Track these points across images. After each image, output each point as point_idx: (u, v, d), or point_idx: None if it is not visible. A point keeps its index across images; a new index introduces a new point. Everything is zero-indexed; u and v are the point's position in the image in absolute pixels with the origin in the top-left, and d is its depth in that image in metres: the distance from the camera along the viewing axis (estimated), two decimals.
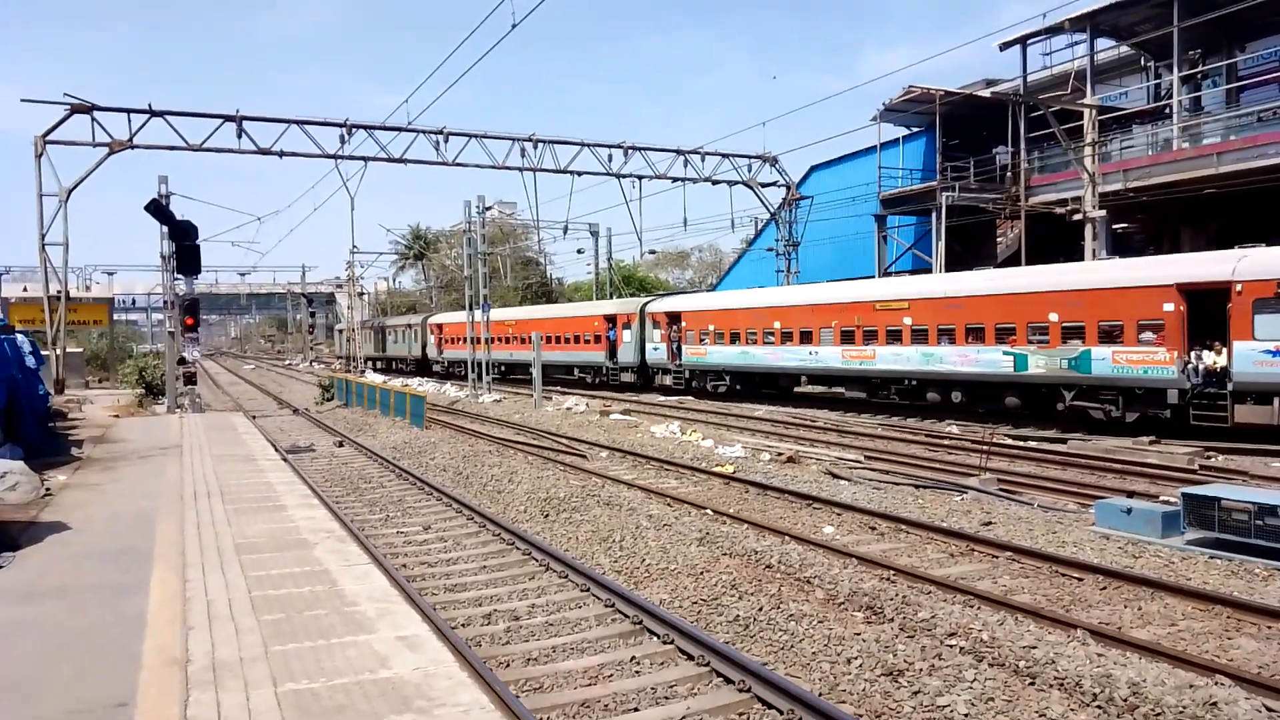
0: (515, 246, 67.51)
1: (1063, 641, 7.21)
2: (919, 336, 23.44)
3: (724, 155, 36.95)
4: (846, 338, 25.55)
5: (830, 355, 26.20)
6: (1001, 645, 7.11)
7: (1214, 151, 26.40)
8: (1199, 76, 31.35)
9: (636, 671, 7.12)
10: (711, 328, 30.99)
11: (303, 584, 7.38)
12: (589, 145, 34.25)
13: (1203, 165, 26.34)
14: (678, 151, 35.96)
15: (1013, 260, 32.80)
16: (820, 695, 6.47)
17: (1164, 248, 31.02)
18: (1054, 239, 31.03)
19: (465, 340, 41.22)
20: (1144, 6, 28.20)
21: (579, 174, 34.50)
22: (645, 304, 35.53)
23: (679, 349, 32.80)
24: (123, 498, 11.60)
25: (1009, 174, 32.42)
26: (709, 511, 12.64)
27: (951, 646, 7.22)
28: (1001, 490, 13.77)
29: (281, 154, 30.29)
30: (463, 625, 8.27)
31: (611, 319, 36.33)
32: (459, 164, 32.66)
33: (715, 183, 37.21)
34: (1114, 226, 30.89)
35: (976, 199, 32.29)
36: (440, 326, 50.96)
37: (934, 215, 32.86)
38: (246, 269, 76.68)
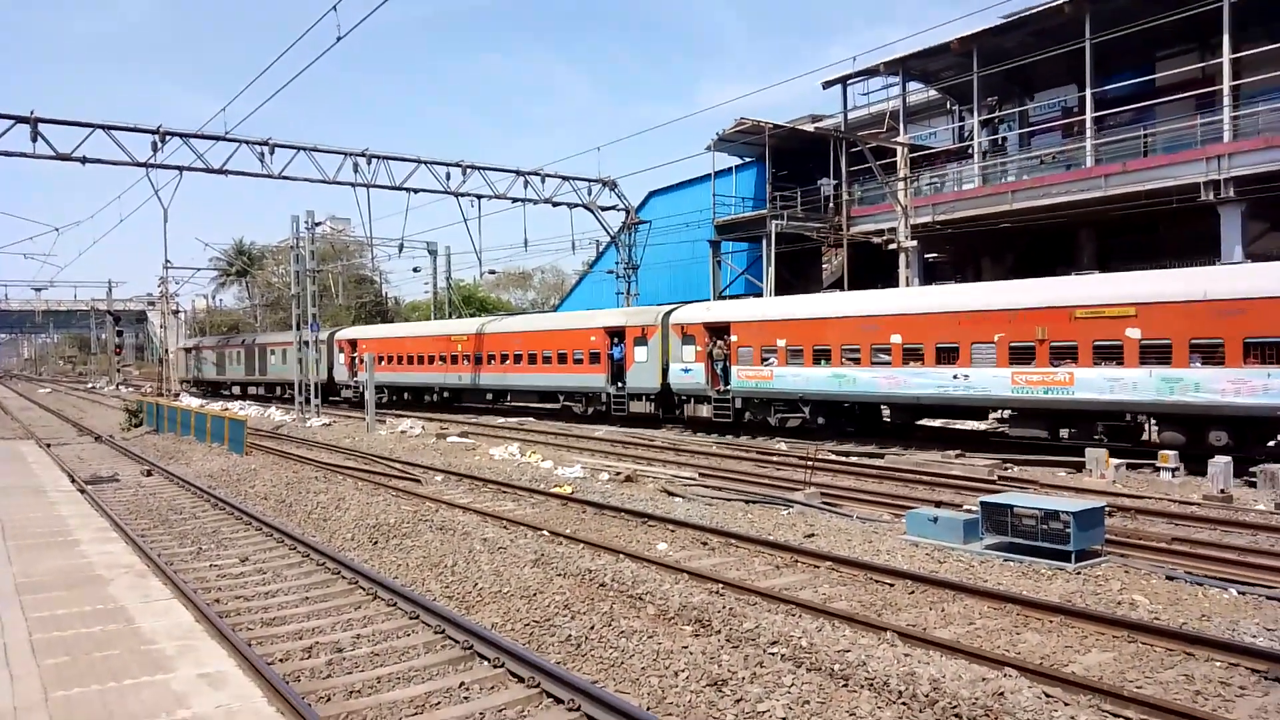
0: (348, 264, 65.08)
1: (874, 644, 7.63)
2: (1155, 355, 17.04)
3: (564, 178, 37.14)
4: (1020, 356, 18.90)
5: (989, 379, 19.32)
6: (819, 650, 7.44)
7: (1008, 190, 29.04)
8: (996, 121, 34.46)
9: (465, 697, 6.96)
10: (781, 343, 23.71)
11: (93, 624, 6.76)
12: (426, 162, 33.56)
13: (999, 202, 28.92)
14: (517, 172, 35.82)
15: (837, 286, 34.74)
16: (648, 709, 6.54)
17: (968, 275, 33.80)
18: (873, 266, 33.16)
19: (404, 359, 38.81)
20: (948, 55, 30.73)
21: (415, 191, 33.68)
22: (669, 312, 27.95)
23: (725, 370, 25.52)
24: None
25: (832, 205, 34.37)
26: (545, 533, 12.57)
27: (773, 654, 7.49)
28: (824, 503, 14.47)
29: (85, 160, 27.90)
30: (280, 660, 7.81)
31: (617, 332, 29.00)
32: (286, 177, 31.15)
33: (555, 204, 37.29)
34: (925, 256, 33.39)
35: (803, 227, 34.01)
36: (354, 343, 43.17)
37: (764, 242, 34.36)
38: (42, 284, 69.95)
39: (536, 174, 36.21)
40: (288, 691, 6.68)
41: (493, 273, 52.37)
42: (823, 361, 22.76)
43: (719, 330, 25.65)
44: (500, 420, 32.02)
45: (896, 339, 21.11)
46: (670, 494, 15.86)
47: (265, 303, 70.71)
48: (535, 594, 9.43)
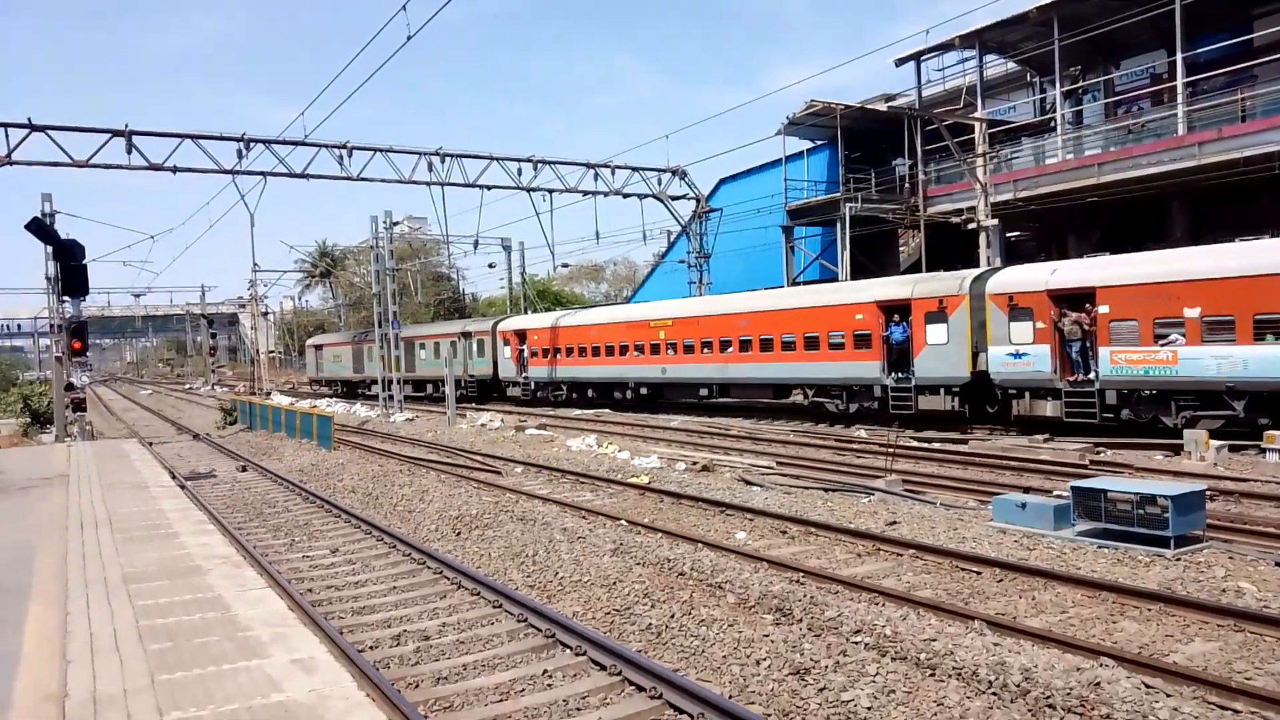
0: (425, 262, 66.52)
1: (961, 633, 7.44)
2: None
3: (633, 169, 37.18)
4: None
5: None
6: (904, 639, 7.29)
7: (1094, 163, 27.91)
8: (1079, 92, 33.12)
9: (548, 685, 7.04)
10: (1193, 312, 16.95)
11: (193, 611, 7.06)
12: (498, 159, 34.03)
13: (1084, 176, 27.80)
14: (587, 165, 36.03)
15: (915, 269, 33.94)
16: (730, 697, 6.52)
17: (1053, 254, 32.61)
18: (951, 247, 32.26)
19: (587, 351, 33.07)
20: (1026, 25, 29.64)
21: (488, 188, 34.20)
22: (979, 277, 21.19)
23: (1083, 354, 18.82)
24: None
25: (907, 185, 33.58)
26: (623, 522, 12.63)
27: (856, 643, 7.37)
28: (906, 491, 14.18)
29: (175, 169, 29.15)
30: (370, 647, 8.05)
31: (898, 307, 22.42)
32: (364, 179, 31.98)
33: (625, 196, 37.39)
34: (1007, 235, 32.34)
35: (878, 210, 33.32)
36: (523, 334, 37.54)
37: (838, 226, 33.78)
38: (141, 290, 73.32)
39: (606, 166, 36.36)
40: (378, 678, 6.87)
41: (565, 266, 52.83)
42: (1269, 337, 15.90)
43: (1072, 299, 18.98)
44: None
45: None
46: (748, 483, 15.75)
47: (348, 302, 72.82)
48: (615, 583, 9.48)
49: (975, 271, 21.85)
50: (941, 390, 21.32)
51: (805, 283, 36.73)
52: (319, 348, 55.89)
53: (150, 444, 27.08)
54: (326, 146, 30.95)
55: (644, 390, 31.49)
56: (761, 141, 66.19)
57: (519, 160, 34.48)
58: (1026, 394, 19.95)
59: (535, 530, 12.22)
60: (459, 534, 12.66)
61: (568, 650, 7.64)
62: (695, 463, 18.14)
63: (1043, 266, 20.78)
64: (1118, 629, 7.60)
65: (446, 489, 16.19)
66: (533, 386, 36.79)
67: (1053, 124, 31.06)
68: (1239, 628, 7.38)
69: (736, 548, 10.80)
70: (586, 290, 77.60)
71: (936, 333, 21.43)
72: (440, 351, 41.30)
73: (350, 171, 31.49)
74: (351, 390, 51.14)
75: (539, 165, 34.74)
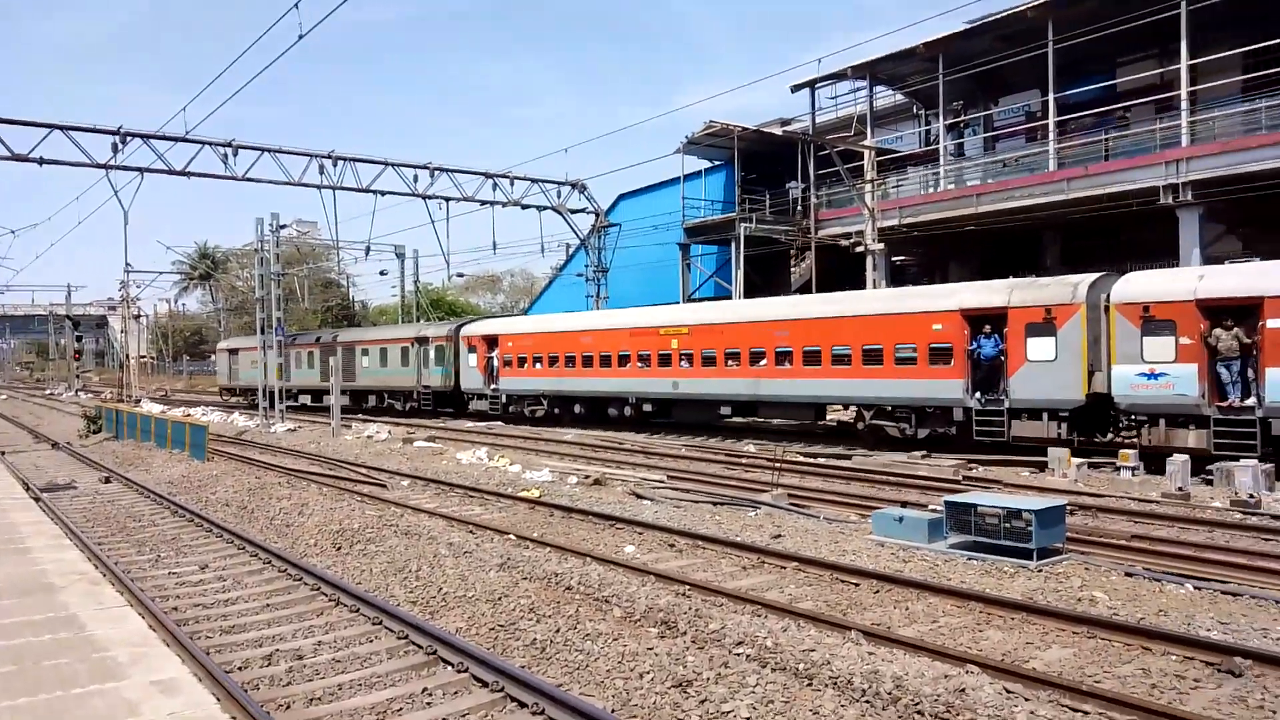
0: (314, 268, 64.45)
1: (839, 643, 7.65)
2: None
3: (533, 180, 37.07)
4: None
5: None
6: (784, 650, 7.44)
7: (974, 193, 29.41)
8: (961, 125, 34.90)
9: (428, 703, 6.88)
10: None
11: (43, 632, 6.59)
12: (393, 164, 33.35)
13: (964, 205, 29.25)
14: (485, 174, 35.73)
15: (805, 289, 34.93)
16: (612, 711, 6.51)
17: (935, 279, 34.16)
18: (841, 270, 33.38)
19: (576, 361, 28.84)
20: (914, 60, 31.06)
21: (382, 193, 33.50)
22: (1097, 281, 18.14)
23: (1242, 375, 16.04)
24: None
25: (800, 208, 34.58)
26: (512, 537, 12.49)
27: (739, 655, 7.48)
28: (792, 504, 14.51)
29: (42, 161, 27.43)
30: (239, 667, 7.68)
31: (991, 316, 19.10)
32: (250, 179, 30.83)
33: (524, 207, 37.24)
34: (893, 259, 33.69)
35: (772, 230, 34.19)
36: (493, 340, 32.74)
37: (734, 245, 34.49)
38: None
39: (505, 176, 36.14)
40: (245, 699, 6.56)
41: (460, 276, 52.13)
42: None
43: (1229, 312, 16.06)
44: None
45: None
46: (639, 497, 15.83)
47: (230, 307, 69.78)
48: (500, 598, 9.35)
49: (1092, 276, 18.49)
50: (1045, 415, 18.08)
51: (701, 299, 37.30)
52: (233, 352, 49.33)
53: (2, 453, 25.23)
54: (210, 144, 29.70)
55: (648, 407, 27.52)
56: (662, 159, 67.05)
57: (415, 166, 33.90)
58: (1161, 421, 16.85)
59: (420, 545, 11.94)
60: (339, 549, 12.26)
61: (449, 667, 7.48)
62: (587, 476, 18.11)
63: (1186, 272, 17.81)
64: (984, 637, 7.96)
65: (328, 502, 15.65)
66: (504, 400, 32.22)
67: (937, 155, 32.59)
68: (1092, 634, 7.84)
69: (625, 561, 10.82)
70: (483, 301, 76.80)
71: (1040, 347, 18.19)
72: (388, 359, 37.78)
73: (235, 171, 30.29)
74: (273, 399, 47.57)
75: (436, 172, 34.24)
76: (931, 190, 31.48)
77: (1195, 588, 9.24)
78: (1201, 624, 7.99)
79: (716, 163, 38.91)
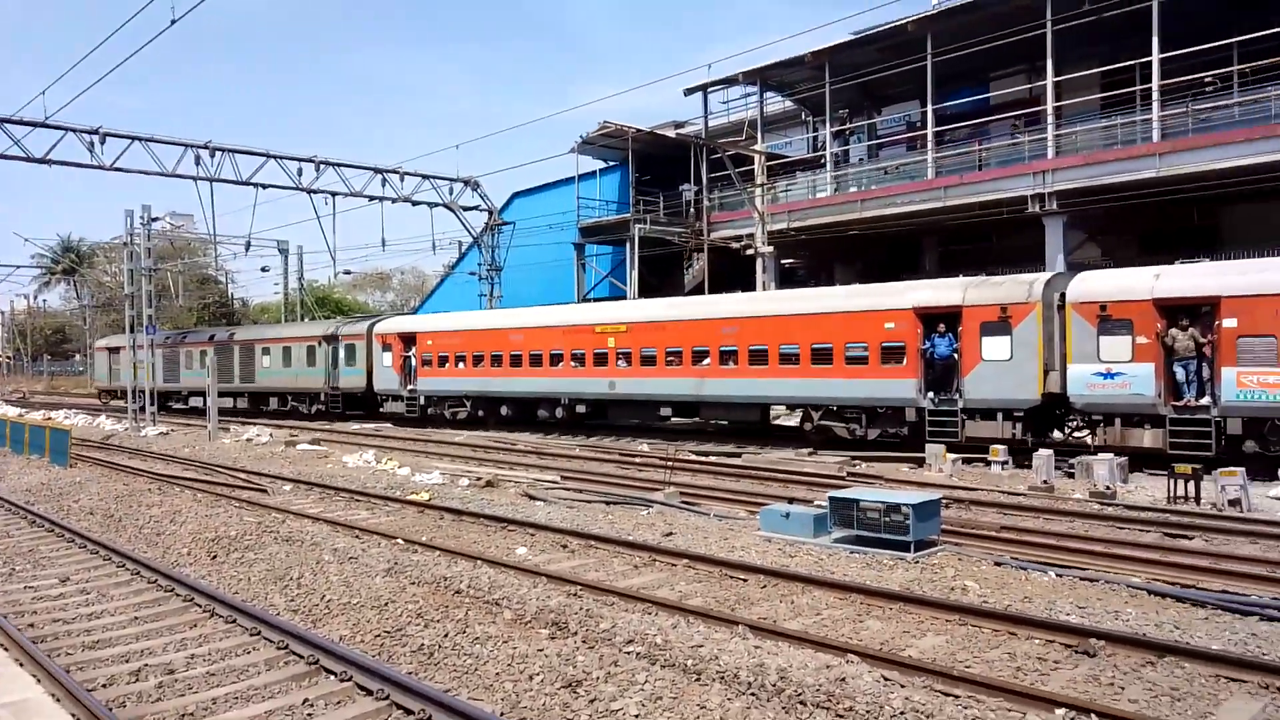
0: (189, 263, 61.37)
1: (727, 638, 7.79)
2: None
3: (424, 176, 36.34)
4: None
5: None
6: (673, 647, 7.53)
7: (858, 199, 30.45)
8: (847, 133, 36.08)
9: (309, 714, 6.66)
10: None
11: None
12: (275, 157, 32.11)
13: (849, 210, 30.26)
14: (375, 169, 34.81)
15: (698, 290, 35.45)
16: (500, 715, 6.45)
17: (822, 281, 35.22)
18: (733, 271, 34.01)
19: (504, 361, 27.46)
20: (803, 68, 31.93)
21: (263, 186, 32.19)
22: (1052, 280, 18.48)
23: (1198, 374, 16.18)
24: None
25: (693, 210, 35.06)
26: (400, 541, 12.21)
27: (629, 653, 7.53)
28: (684, 503, 14.71)
29: None
30: (103, 685, 7.24)
31: (945, 314, 18.87)
32: (120, 169, 29.15)
33: (415, 203, 36.46)
34: (782, 261, 34.54)
35: (665, 232, 34.54)
36: (410, 338, 31.17)
37: (628, 246, 34.69)
38: None
39: (395, 172, 35.31)
40: (109, 717, 6.20)
41: (348, 273, 50.67)
42: None
43: (1185, 311, 16.25)
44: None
45: None
46: (532, 498, 15.73)
47: (97, 304, 65.69)
48: (387, 604, 9.13)
49: (1047, 275, 18.77)
50: (999, 415, 18.02)
51: (596, 299, 37.34)
52: (114, 351, 45.18)
53: None
54: (74, 130, 27.92)
55: (581, 408, 26.73)
56: (556, 158, 66.79)
57: (299, 159, 32.74)
58: (1117, 420, 16.92)
59: (302, 551, 11.54)
60: (215, 558, 11.71)
61: (332, 676, 7.25)
62: (479, 478, 17.88)
63: (1141, 271, 17.68)
64: (864, 628, 8.25)
65: (203, 509, 14.94)
66: (422, 402, 30.75)
67: (823, 161, 33.61)
68: (963, 622, 8.24)
69: (516, 563, 10.74)
70: (372, 299, 74.77)
71: (996, 346, 18.03)
72: (293, 358, 35.56)
73: (103, 160, 28.58)
74: (161, 402, 43.37)
75: (321, 166, 33.16)
76: (819, 195, 32.42)
77: (1057, 575, 9.82)
78: (1062, 609, 8.49)
79: (611, 163, 39.04)
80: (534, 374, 26.99)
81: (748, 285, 32.11)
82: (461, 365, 29.28)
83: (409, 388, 31.07)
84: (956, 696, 6.51)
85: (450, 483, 17.61)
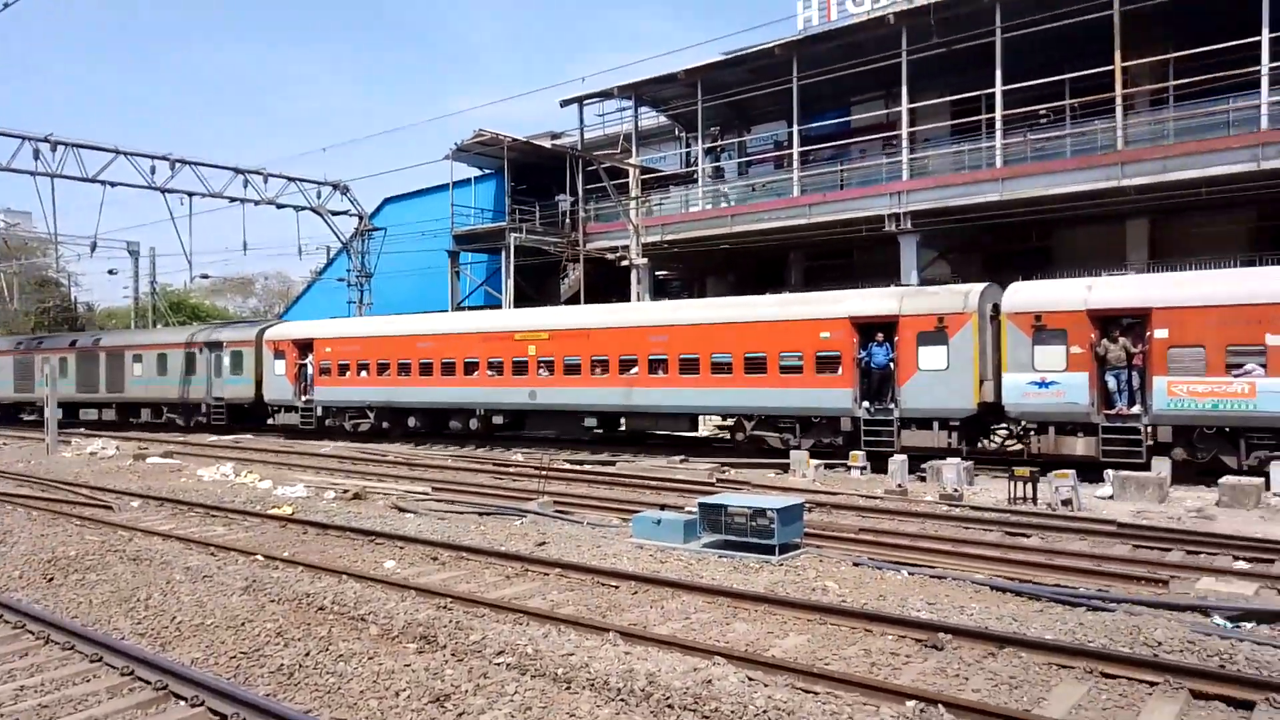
0: (27, 264, 56.78)
1: (598, 645, 7.86)
2: None
3: (290, 178, 34.97)
4: None
5: None
6: (544, 656, 7.54)
7: (728, 214, 31.29)
8: (718, 150, 37.05)
9: None
10: None
11: None
12: (126, 153, 30.21)
13: (720, 225, 31.06)
14: (236, 170, 33.25)
15: (574, 300, 35.55)
16: None
17: (695, 293, 35.96)
18: (609, 282, 34.29)
19: (411, 369, 26.02)
20: (676, 84, 32.59)
21: (112, 184, 30.21)
22: (983, 291, 18.69)
23: (1129, 382, 16.72)
24: None
25: (569, 221, 35.16)
26: (259, 557, 11.69)
27: (499, 664, 7.49)
28: (557, 511, 14.71)
29: None
30: None
31: (881, 324, 19.01)
32: None
33: (280, 206, 35.03)
34: (656, 273, 35.08)
35: (541, 241, 34.48)
36: (306, 345, 29.44)
37: (504, 254, 34.43)
38: None
39: (258, 173, 33.86)
40: None
41: (206, 277, 48.15)
42: None
43: (1113, 322, 16.82)
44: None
45: None
46: (401, 510, 15.37)
47: None
48: (244, 623, 8.73)
49: (982, 285, 18.93)
50: (935, 424, 18.21)
51: (471, 308, 36.83)
52: None
53: None
54: None
55: (498, 419, 25.57)
56: (430, 164, 65.63)
57: (153, 157, 30.93)
58: (1051, 429, 17.32)
59: (151, 571, 10.89)
60: (52, 580, 10.89)
61: (182, 702, 6.89)
62: (346, 491, 17.33)
63: (1075, 282, 18.07)
64: (731, 630, 8.48)
65: (38, 528, 13.86)
66: (319, 413, 29.08)
67: (696, 176, 34.37)
68: (824, 621, 8.60)
69: (384, 577, 10.48)
70: (233, 305, 71.26)
71: (932, 356, 18.17)
72: (169, 366, 32.98)
73: None
74: (9, 414, 39.82)
75: (177, 164, 31.42)
76: (691, 209, 33.13)
77: (909, 573, 10.38)
78: (914, 606, 8.98)
79: (487, 171, 38.68)
80: (446, 383, 25.84)
81: (623, 296, 32.44)
82: (365, 374, 27.86)
83: (305, 398, 29.40)
84: (816, 693, 6.80)
85: (315, 496, 16.99)
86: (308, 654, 7.87)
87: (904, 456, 16.98)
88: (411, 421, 27.34)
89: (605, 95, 34.75)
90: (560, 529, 13.31)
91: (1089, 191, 23.87)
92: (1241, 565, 10.71)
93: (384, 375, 27.40)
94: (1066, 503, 14.12)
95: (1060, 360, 16.89)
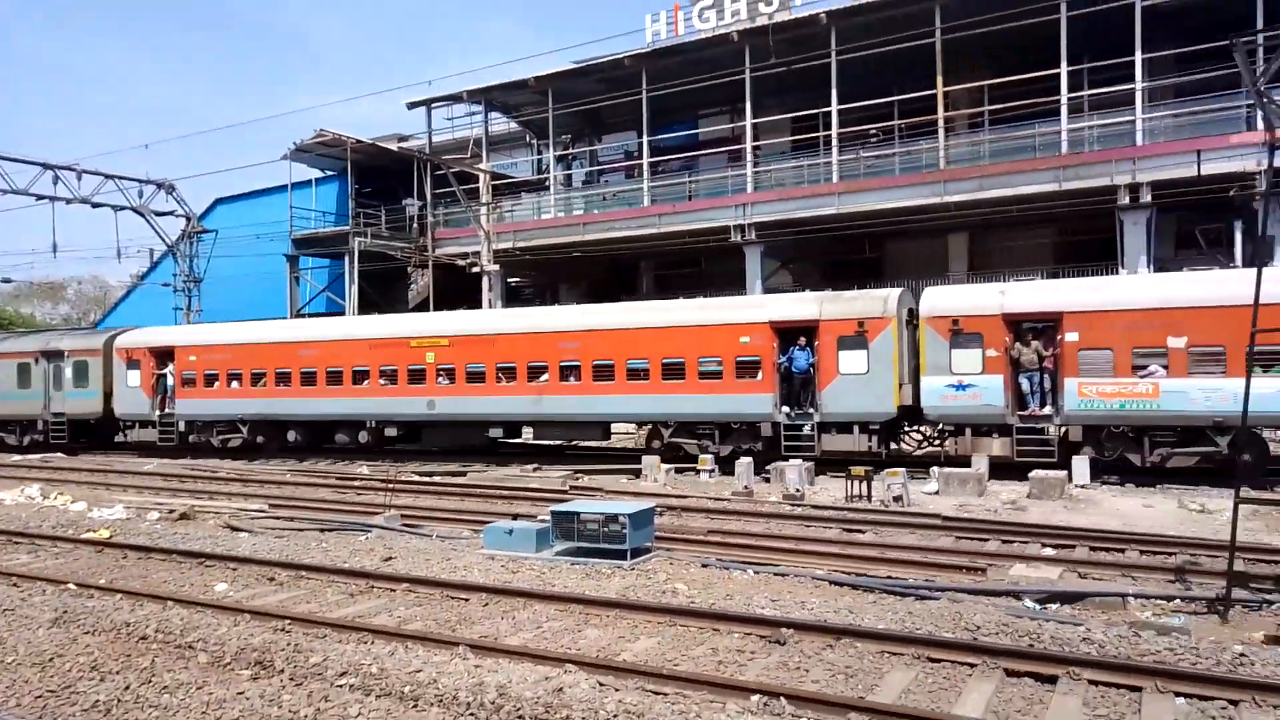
0: None
1: (447, 660, 7.68)
2: None
3: (108, 176, 32.43)
4: None
5: None
6: (390, 675, 7.30)
7: (580, 222, 31.45)
8: (570, 158, 37.19)
9: None
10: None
11: None
12: None
13: (571, 233, 31.18)
14: (45, 165, 30.52)
15: (423, 307, 34.69)
16: None
17: (548, 300, 35.93)
18: (459, 288, 33.70)
19: (290, 379, 23.96)
20: (526, 91, 32.50)
21: None
22: (903, 294, 19.17)
23: (1042, 384, 17.36)
24: None
25: (417, 226, 34.33)
26: (71, 586, 10.74)
27: (341, 686, 7.19)
28: (405, 525, 14.30)
29: None
30: None
31: (803, 329, 18.95)
32: None
33: (96, 205, 32.40)
34: (508, 280, 34.78)
35: (388, 246, 33.50)
36: (166, 354, 26.94)
37: (347, 259, 33.21)
38: None
39: (70, 169, 31.26)
40: None
41: (8, 281, 43.90)
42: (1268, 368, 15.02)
43: (1026, 326, 17.45)
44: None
45: None
46: (235, 529, 14.52)
47: None
48: (52, 659, 8.00)
49: (898, 290, 19.16)
50: (856, 428, 18.34)
51: (311, 315, 35.27)
52: None
53: None
54: None
55: (391, 431, 23.71)
56: (266, 164, 62.48)
57: None
58: (968, 430, 17.98)
59: None
60: None
61: None
62: (172, 510, 16.21)
63: (989, 287, 18.76)
64: (583, 636, 8.50)
65: None
66: (182, 428, 26.41)
67: (548, 183, 34.34)
68: (673, 623, 8.75)
69: (214, 601, 9.85)
70: (40, 311, 65.29)
71: (853, 360, 18.22)
72: (32, 375, 29.13)
73: None
74: None
75: None
76: (543, 217, 33.07)
77: (755, 572, 10.74)
78: (759, 603, 9.29)
79: (329, 173, 37.22)
80: (332, 393, 23.96)
81: (474, 303, 31.98)
82: (236, 384, 25.64)
83: (164, 411, 26.75)
84: (666, 694, 6.91)
85: (137, 517, 15.79)
86: (127, 688, 7.30)
87: (749, 460, 17.55)
88: (291, 435, 25.35)
89: (454, 99, 34.20)
90: (408, 543, 12.94)
91: (915, 207, 25.51)
92: (1049, 552, 11.71)
93: (259, 385, 25.36)
94: (898, 499, 15.00)
95: (977, 363, 17.29)
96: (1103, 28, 23.66)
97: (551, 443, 23.95)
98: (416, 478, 19.81)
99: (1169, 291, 16.59)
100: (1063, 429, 17.16)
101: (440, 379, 22.62)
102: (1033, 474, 15.77)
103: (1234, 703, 6.47)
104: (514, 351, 21.75)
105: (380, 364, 23.51)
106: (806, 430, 18.70)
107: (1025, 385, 17.18)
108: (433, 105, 34.59)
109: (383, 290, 36.31)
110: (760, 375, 19.00)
